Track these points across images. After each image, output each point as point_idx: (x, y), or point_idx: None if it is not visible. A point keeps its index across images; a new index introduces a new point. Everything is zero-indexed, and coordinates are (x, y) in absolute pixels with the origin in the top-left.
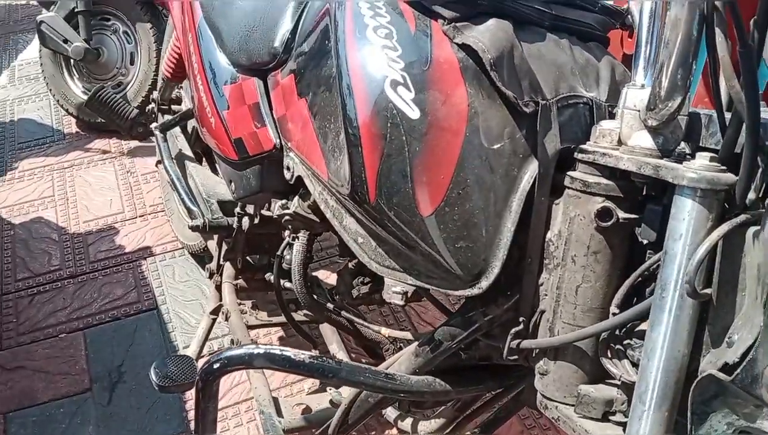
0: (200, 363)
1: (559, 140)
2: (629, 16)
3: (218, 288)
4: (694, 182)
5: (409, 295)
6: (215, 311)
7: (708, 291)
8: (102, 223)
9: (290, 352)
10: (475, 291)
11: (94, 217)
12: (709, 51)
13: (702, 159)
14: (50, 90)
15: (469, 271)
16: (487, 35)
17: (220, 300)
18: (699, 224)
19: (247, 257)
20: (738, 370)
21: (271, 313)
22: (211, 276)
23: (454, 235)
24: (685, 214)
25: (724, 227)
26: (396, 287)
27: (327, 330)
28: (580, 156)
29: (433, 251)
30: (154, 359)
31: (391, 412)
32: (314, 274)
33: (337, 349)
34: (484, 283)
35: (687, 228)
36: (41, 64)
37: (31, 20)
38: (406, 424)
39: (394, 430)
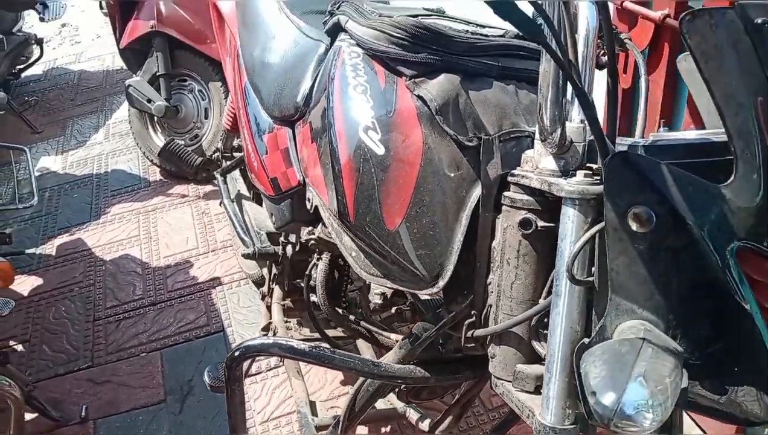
0: None
1: (501, 167)
2: None
3: (269, 308)
4: (570, 193)
5: (387, 296)
6: (266, 328)
7: (591, 278)
8: (179, 257)
9: (294, 342)
10: (434, 290)
11: (172, 253)
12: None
13: (580, 175)
14: (137, 143)
15: (430, 273)
16: (436, 87)
17: (270, 318)
18: (578, 227)
19: (293, 281)
20: (593, 335)
21: (313, 330)
22: (263, 298)
23: (416, 244)
24: (568, 219)
25: (594, 229)
26: (377, 290)
27: (362, 345)
28: (510, 178)
29: (401, 258)
30: None
31: (413, 415)
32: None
33: None
34: (441, 283)
35: (570, 230)
36: (129, 122)
37: (123, 84)
38: (425, 425)
39: None
